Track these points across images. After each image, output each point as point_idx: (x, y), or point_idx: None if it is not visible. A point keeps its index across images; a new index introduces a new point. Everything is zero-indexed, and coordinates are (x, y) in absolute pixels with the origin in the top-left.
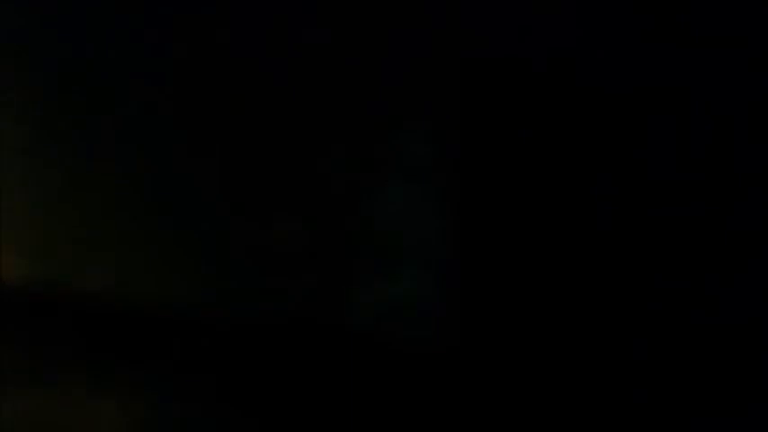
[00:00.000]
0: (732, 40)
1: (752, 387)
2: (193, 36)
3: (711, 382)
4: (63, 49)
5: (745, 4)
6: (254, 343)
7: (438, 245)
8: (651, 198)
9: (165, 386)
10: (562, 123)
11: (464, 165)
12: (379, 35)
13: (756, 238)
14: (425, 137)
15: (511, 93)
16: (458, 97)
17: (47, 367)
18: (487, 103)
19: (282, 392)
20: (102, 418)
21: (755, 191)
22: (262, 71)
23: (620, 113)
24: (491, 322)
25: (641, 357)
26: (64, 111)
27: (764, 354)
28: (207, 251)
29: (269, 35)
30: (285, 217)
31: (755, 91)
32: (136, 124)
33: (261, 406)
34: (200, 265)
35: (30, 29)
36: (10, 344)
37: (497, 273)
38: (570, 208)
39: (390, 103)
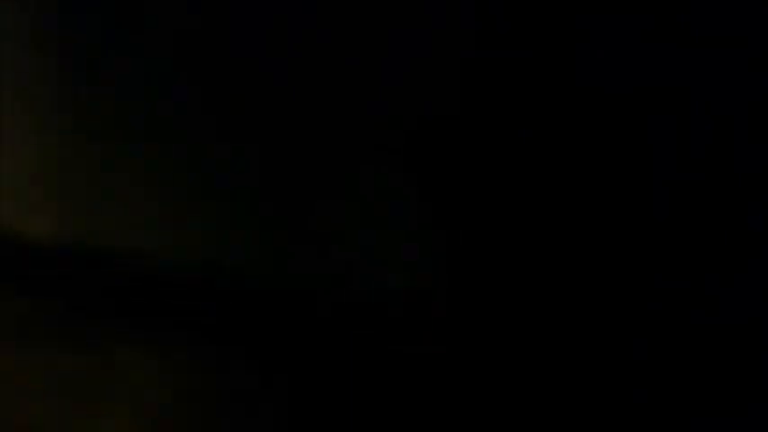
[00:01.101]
0: (732, 41)
1: (752, 387)
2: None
3: (711, 382)
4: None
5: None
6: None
7: (434, 238)
8: (651, 198)
9: (195, 351)
10: (563, 123)
11: (461, 160)
12: (381, 37)
13: (756, 238)
14: (423, 133)
15: (508, 92)
16: (456, 96)
17: (76, 325)
18: (484, 102)
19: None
20: (130, 376)
21: (755, 191)
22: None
23: (621, 113)
24: (488, 320)
25: (641, 357)
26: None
27: (764, 354)
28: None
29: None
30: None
31: (756, 91)
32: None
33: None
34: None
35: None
36: (43, 299)
37: (495, 270)
38: (570, 207)
39: (390, 102)
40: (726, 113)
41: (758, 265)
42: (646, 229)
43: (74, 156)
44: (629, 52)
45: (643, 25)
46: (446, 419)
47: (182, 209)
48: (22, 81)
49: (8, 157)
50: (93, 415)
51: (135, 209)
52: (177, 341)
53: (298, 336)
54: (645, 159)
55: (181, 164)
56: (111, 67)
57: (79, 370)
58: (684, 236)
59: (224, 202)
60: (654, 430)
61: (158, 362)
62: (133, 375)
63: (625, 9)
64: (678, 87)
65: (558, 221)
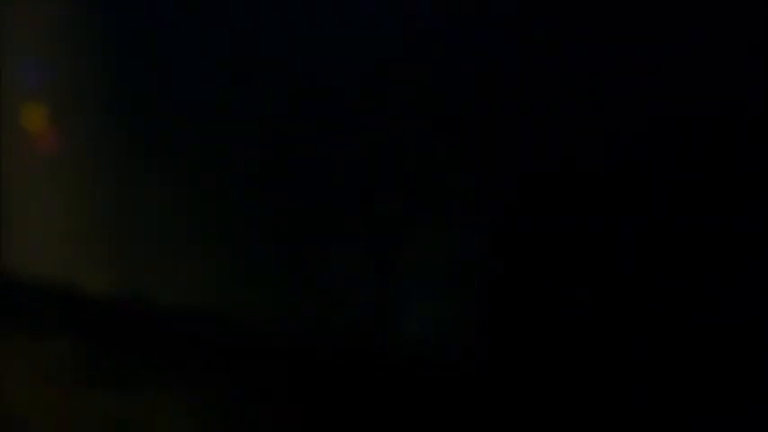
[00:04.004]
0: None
1: (752, 387)
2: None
3: (711, 381)
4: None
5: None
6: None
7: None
8: (651, 199)
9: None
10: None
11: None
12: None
13: (756, 238)
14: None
15: None
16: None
17: (129, 373)
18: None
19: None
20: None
21: (756, 191)
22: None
23: (619, 114)
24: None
25: (642, 359)
26: (162, 127)
27: (765, 354)
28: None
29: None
30: (341, 243)
31: (756, 91)
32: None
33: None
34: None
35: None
36: (100, 349)
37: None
38: (578, 214)
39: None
40: (726, 114)
41: (758, 265)
42: (647, 229)
43: (131, 214)
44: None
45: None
46: None
47: (232, 266)
48: (89, 148)
49: (68, 216)
50: None
51: (188, 266)
52: (218, 390)
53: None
54: (645, 159)
55: (238, 224)
56: (170, 131)
57: (131, 413)
58: (685, 236)
59: (269, 260)
60: (654, 430)
61: (200, 408)
62: (177, 420)
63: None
64: (679, 88)
65: (571, 235)
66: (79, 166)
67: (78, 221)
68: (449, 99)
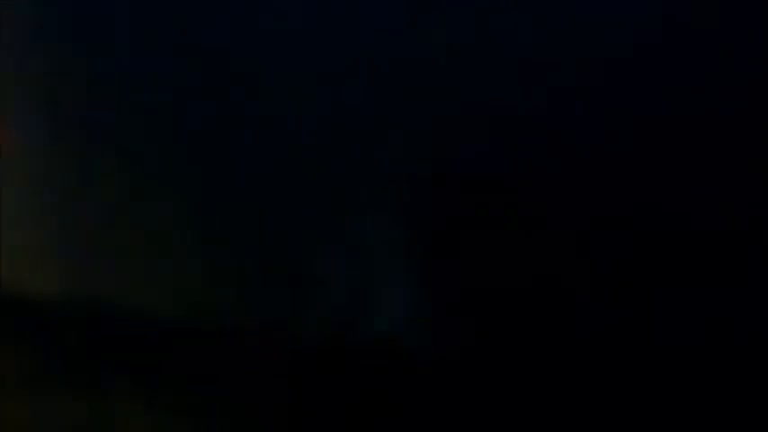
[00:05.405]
0: None
1: (752, 387)
2: None
3: (713, 383)
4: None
5: None
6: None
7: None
8: (651, 199)
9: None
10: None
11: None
12: None
13: (756, 238)
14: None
15: None
16: None
17: (82, 376)
18: None
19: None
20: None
21: (755, 191)
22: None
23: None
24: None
25: (642, 358)
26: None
27: (765, 354)
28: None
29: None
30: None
31: (756, 95)
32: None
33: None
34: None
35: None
36: (50, 353)
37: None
38: (567, 209)
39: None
40: (725, 115)
41: (758, 265)
42: (646, 230)
43: (75, 217)
44: None
45: None
46: None
47: (181, 265)
48: (30, 144)
49: (12, 219)
50: None
51: (134, 266)
52: (169, 386)
53: (287, 377)
54: (642, 157)
55: (180, 221)
56: (114, 127)
57: (86, 416)
58: (685, 237)
59: (219, 254)
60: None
61: (155, 408)
62: (134, 421)
63: None
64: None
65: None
66: (29, 166)
67: (30, 224)
68: None
